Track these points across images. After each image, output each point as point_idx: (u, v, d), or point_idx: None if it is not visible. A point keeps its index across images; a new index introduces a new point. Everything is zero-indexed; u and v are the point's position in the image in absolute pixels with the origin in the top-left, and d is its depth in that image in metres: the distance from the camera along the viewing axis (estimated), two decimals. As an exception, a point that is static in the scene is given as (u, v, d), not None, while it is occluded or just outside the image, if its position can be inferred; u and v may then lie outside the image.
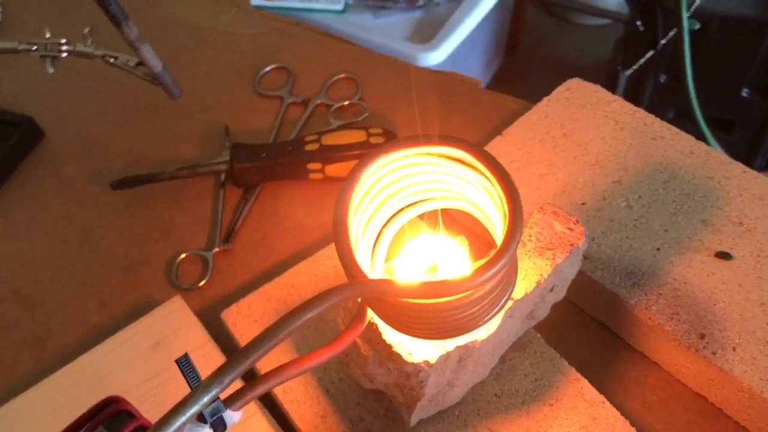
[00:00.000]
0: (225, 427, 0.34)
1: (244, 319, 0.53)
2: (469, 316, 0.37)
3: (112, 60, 0.61)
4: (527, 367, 0.49)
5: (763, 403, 0.45)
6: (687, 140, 0.59)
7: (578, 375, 0.48)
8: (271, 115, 0.71)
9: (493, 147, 0.61)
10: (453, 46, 1.25)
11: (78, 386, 0.51)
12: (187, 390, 0.32)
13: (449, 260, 0.40)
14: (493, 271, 0.33)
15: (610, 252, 0.53)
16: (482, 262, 0.35)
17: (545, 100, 0.64)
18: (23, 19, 0.81)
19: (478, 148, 0.36)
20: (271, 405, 0.50)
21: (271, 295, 0.54)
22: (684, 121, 0.99)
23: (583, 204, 0.56)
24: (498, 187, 0.35)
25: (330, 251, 0.56)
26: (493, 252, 0.35)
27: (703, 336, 0.48)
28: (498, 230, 0.38)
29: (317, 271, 0.55)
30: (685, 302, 0.50)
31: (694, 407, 0.50)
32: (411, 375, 0.40)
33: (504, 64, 1.83)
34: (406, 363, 0.40)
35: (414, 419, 0.45)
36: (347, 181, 0.36)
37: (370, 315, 0.39)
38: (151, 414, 0.35)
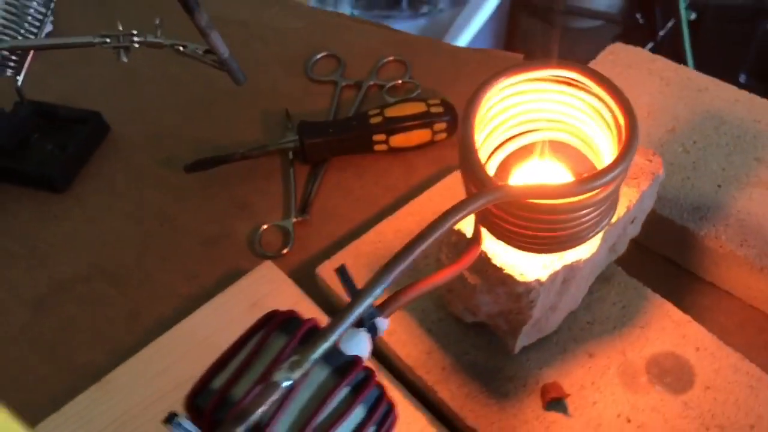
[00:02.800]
0: (377, 333, 0.37)
1: (338, 274, 0.55)
2: (582, 223, 0.40)
3: (181, 48, 0.64)
4: (614, 296, 0.52)
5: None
6: (731, 90, 0.64)
7: (662, 300, 0.52)
8: (326, 98, 0.74)
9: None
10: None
11: (179, 350, 0.53)
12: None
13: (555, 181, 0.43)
14: (614, 173, 0.37)
15: (674, 191, 0.56)
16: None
17: (591, 63, 0.68)
18: (74, 27, 0.84)
19: (591, 69, 0.40)
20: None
21: (359, 251, 0.56)
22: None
23: (642, 151, 0.60)
24: (614, 104, 0.38)
25: (410, 208, 0.59)
26: (611, 160, 0.38)
27: (773, 258, 0.52)
28: (605, 157, 0.42)
29: (400, 227, 0.58)
30: (752, 230, 0.54)
31: (768, 328, 0.54)
32: (522, 296, 0.43)
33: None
34: (519, 283, 0.43)
35: (518, 345, 0.48)
36: (470, 103, 0.40)
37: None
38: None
